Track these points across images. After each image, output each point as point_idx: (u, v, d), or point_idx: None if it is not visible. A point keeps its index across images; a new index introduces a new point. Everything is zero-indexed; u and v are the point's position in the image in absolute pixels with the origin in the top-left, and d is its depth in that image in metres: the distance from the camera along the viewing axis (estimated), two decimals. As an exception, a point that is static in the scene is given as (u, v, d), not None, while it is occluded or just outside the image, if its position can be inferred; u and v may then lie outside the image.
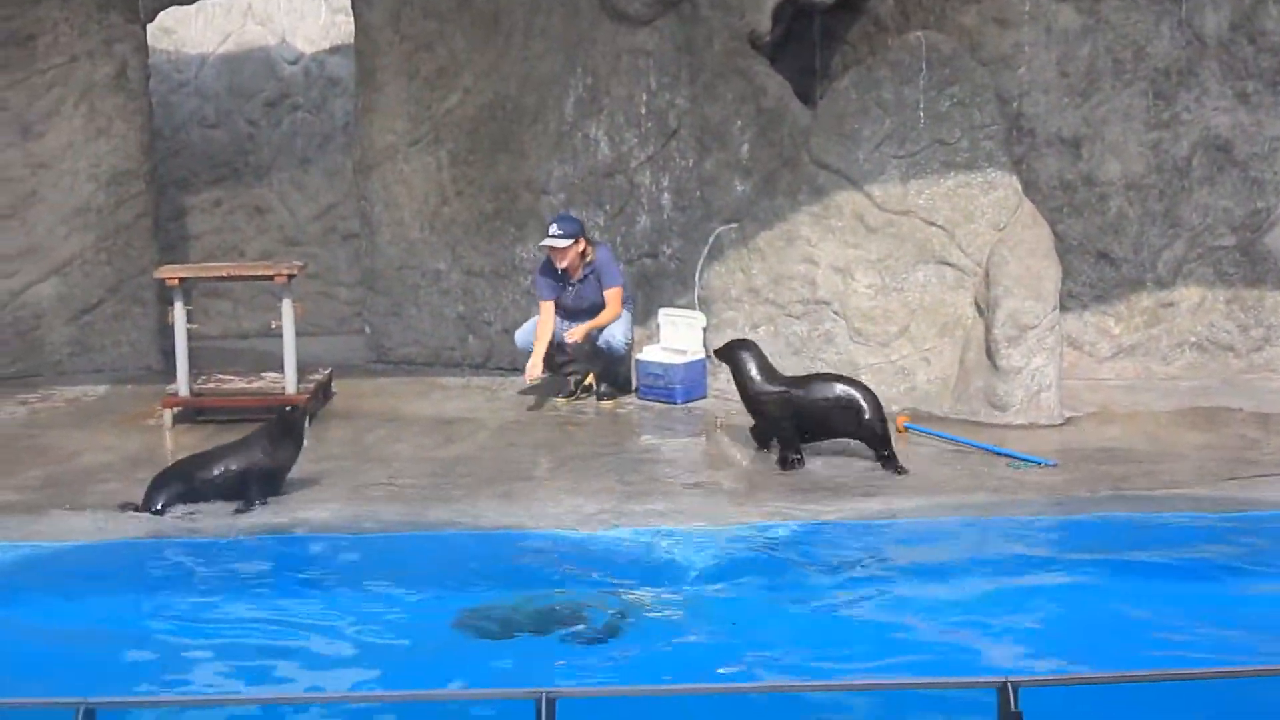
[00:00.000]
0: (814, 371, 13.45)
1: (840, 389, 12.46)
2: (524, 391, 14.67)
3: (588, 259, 14.20)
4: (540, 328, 14.26)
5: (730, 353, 12.78)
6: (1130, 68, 14.45)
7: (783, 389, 12.55)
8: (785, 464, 12.39)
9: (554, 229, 14.13)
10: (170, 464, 12.05)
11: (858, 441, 12.45)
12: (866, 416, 12.31)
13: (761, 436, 12.78)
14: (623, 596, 10.02)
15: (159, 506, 11.46)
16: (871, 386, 12.62)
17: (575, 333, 14.11)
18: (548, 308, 14.28)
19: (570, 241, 14.08)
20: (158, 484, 11.65)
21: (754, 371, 12.62)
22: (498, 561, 10.55)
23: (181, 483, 11.65)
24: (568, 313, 14.34)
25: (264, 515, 11.46)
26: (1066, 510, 11.38)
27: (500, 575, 10.30)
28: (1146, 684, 7.97)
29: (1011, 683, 6.60)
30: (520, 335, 14.41)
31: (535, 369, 14.15)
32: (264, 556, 10.84)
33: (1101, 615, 9.57)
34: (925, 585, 10.14)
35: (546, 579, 10.28)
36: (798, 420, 12.48)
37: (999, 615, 9.63)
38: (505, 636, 9.51)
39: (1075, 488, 11.81)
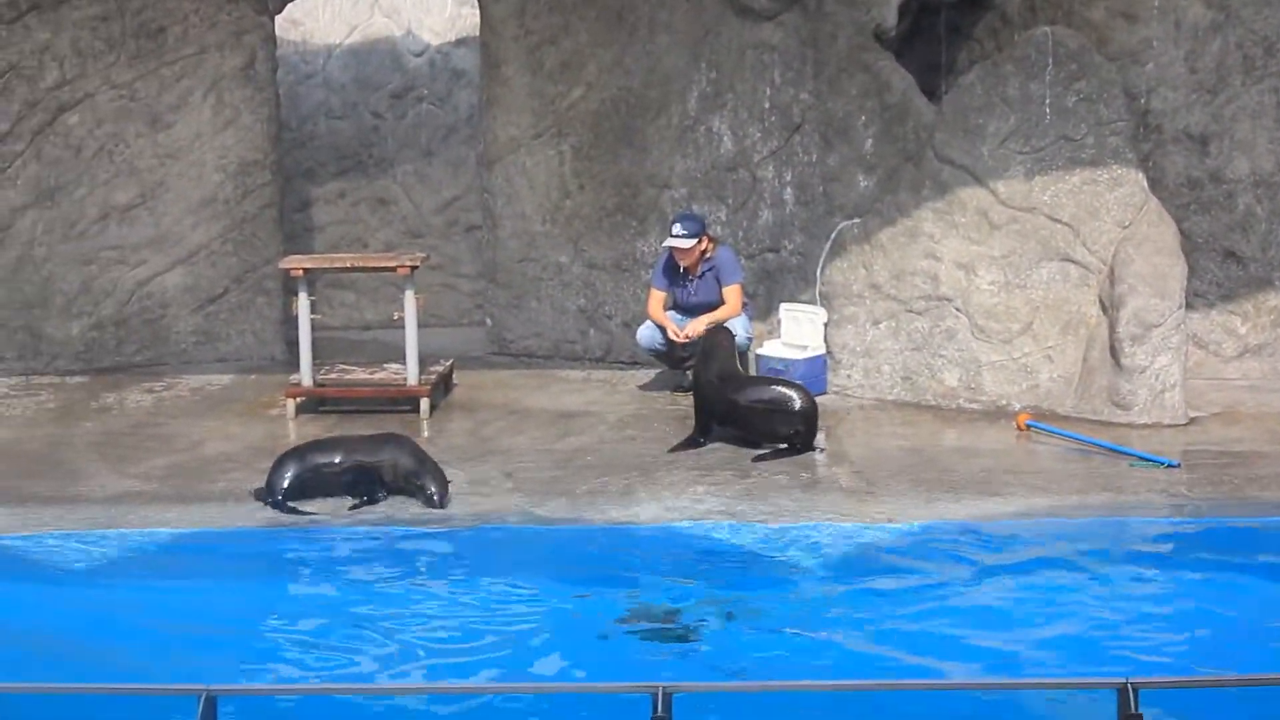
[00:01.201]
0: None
1: (776, 392, 12.93)
2: (644, 386, 14.69)
3: (707, 256, 14.20)
4: (653, 311, 14.38)
5: (710, 337, 13.39)
6: (1260, 64, 14.29)
7: (723, 384, 13.03)
8: (687, 443, 12.90)
9: (677, 228, 14.15)
10: (294, 448, 12.07)
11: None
12: (799, 412, 12.72)
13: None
14: (740, 592, 10.01)
15: (279, 495, 11.52)
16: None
17: (693, 326, 14.07)
18: (658, 295, 14.40)
19: (694, 241, 14.10)
20: (281, 470, 11.70)
21: (716, 363, 13.11)
22: (616, 556, 10.57)
23: (302, 467, 11.69)
24: (685, 310, 14.35)
25: (385, 507, 11.53)
26: (1190, 512, 11.27)
27: (618, 569, 10.32)
28: (1268, 688, 7.89)
29: (1132, 684, 6.56)
30: (643, 333, 14.38)
31: (691, 328, 14.06)
32: (385, 549, 10.90)
33: (1224, 619, 9.47)
34: (1046, 585, 10.08)
35: (665, 573, 10.29)
36: (734, 418, 12.95)
37: (1119, 616, 9.56)
38: (623, 630, 9.52)
39: (1199, 489, 11.69)
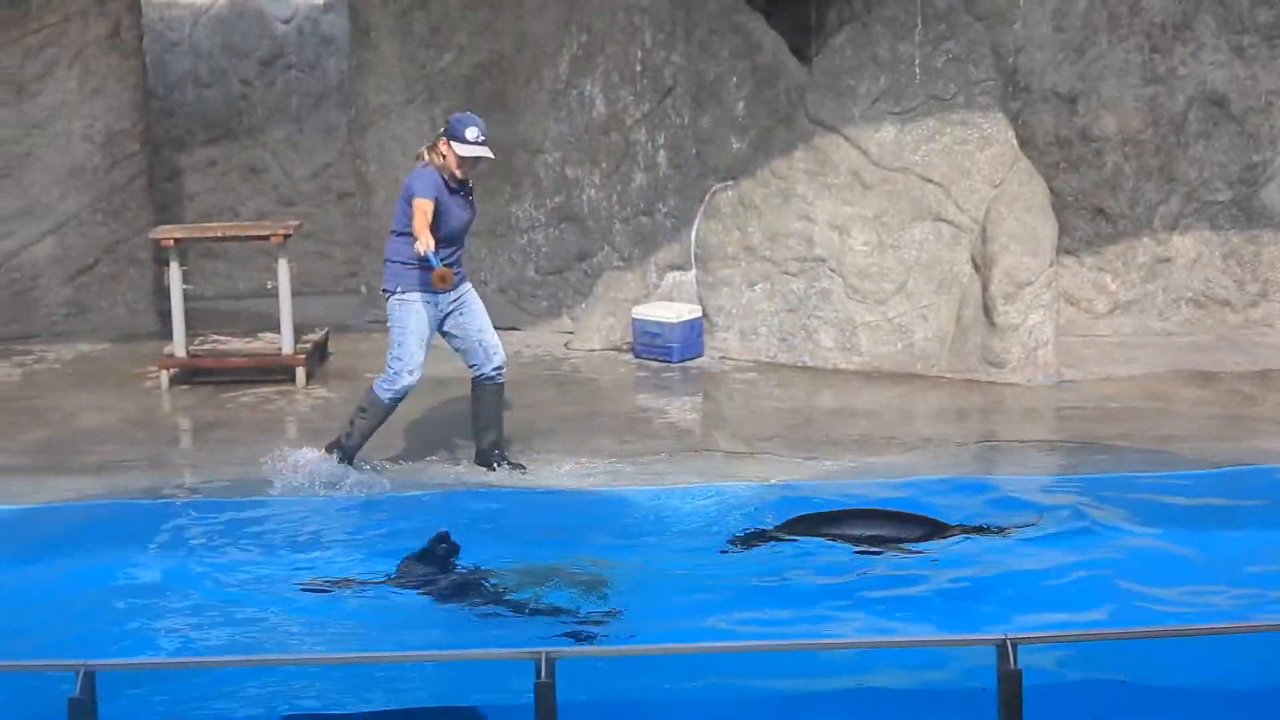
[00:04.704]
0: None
1: None
2: (521, 352, 14.63)
3: None
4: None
5: None
6: (1126, 22, 14.40)
7: None
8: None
9: (479, 134, 11.37)
10: None
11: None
12: None
13: None
14: (621, 556, 10.01)
15: None
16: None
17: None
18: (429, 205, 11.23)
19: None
20: None
21: None
22: (497, 521, 10.55)
23: None
24: (458, 233, 11.54)
25: (259, 475, 11.47)
26: (1065, 468, 11.41)
27: (499, 535, 10.29)
28: (1142, 640, 8.00)
29: (1010, 640, 6.61)
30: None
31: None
32: (270, 519, 10.81)
33: (1098, 574, 9.55)
34: (930, 543, 10.14)
35: (547, 539, 10.26)
36: None
37: (997, 572, 9.64)
38: (505, 596, 9.51)
39: (1074, 446, 11.85)
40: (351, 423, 11.52)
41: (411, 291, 11.23)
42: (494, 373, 11.57)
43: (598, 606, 9.34)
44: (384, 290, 11.40)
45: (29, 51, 15.46)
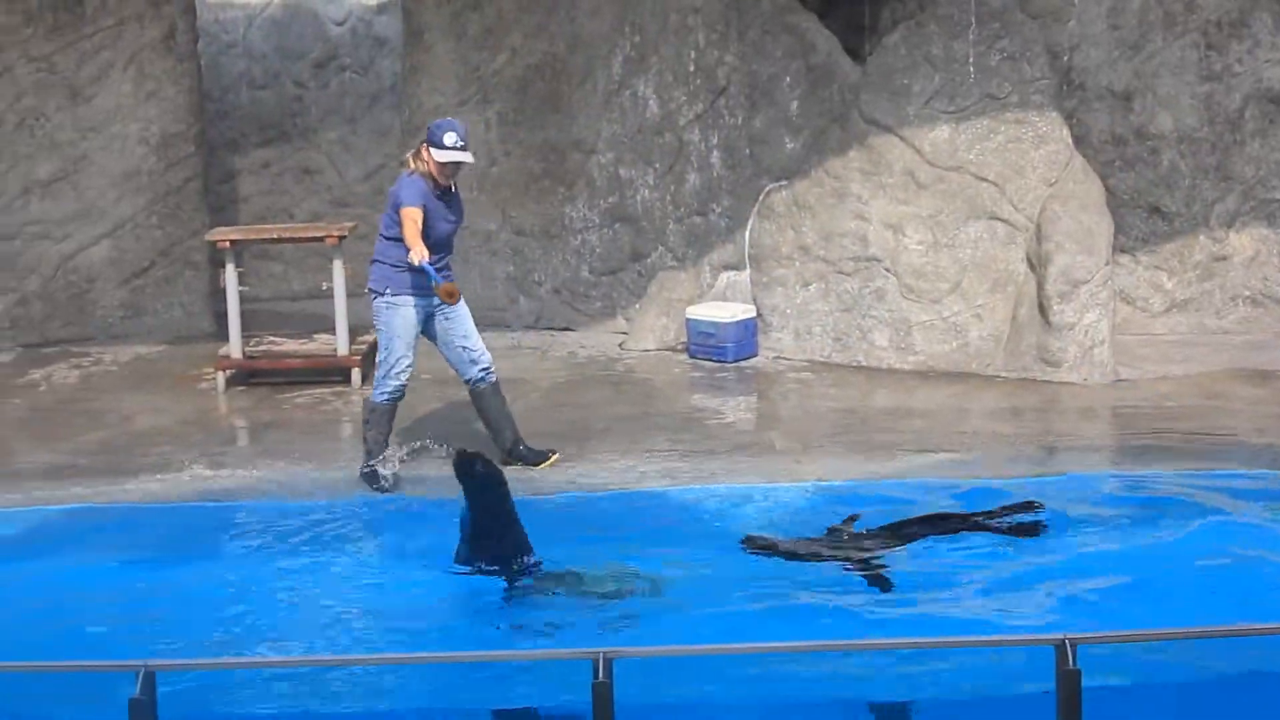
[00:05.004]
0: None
1: None
2: (574, 352, 14.65)
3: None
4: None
5: None
6: (1181, 19, 14.34)
7: None
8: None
9: (458, 140, 11.25)
10: None
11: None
12: None
13: None
14: (677, 556, 9.99)
15: None
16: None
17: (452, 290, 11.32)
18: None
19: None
20: None
21: None
22: (552, 523, 10.53)
23: None
24: (446, 239, 11.54)
25: (313, 476, 11.49)
26: (1123, 467, 11.36)
27: (555, 537, 10.27)
28: (1199, 640, 7.96)
29: (1069, 639, 6.59)
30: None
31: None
32: (311, 521, 10.83)
33: (1160, 574, 9.50)
34: (983, 542, 10.09)
35: (602, 540, 10.26)
36: None
37: (1057, 573, 9.59)
38: (561, 597, 9.51)
39: (1131, 446, 11.79)
40: (365, 439, 11.62)
41: (401, 294, 11.32)
42: (481, 374, 11.65)
43: (647, 607, 9.36)
44: (370, 290, 11.46)
45: (84, 55, 15.54)
